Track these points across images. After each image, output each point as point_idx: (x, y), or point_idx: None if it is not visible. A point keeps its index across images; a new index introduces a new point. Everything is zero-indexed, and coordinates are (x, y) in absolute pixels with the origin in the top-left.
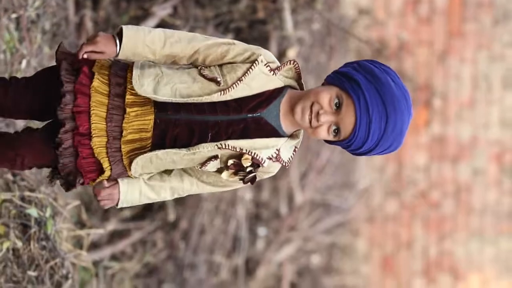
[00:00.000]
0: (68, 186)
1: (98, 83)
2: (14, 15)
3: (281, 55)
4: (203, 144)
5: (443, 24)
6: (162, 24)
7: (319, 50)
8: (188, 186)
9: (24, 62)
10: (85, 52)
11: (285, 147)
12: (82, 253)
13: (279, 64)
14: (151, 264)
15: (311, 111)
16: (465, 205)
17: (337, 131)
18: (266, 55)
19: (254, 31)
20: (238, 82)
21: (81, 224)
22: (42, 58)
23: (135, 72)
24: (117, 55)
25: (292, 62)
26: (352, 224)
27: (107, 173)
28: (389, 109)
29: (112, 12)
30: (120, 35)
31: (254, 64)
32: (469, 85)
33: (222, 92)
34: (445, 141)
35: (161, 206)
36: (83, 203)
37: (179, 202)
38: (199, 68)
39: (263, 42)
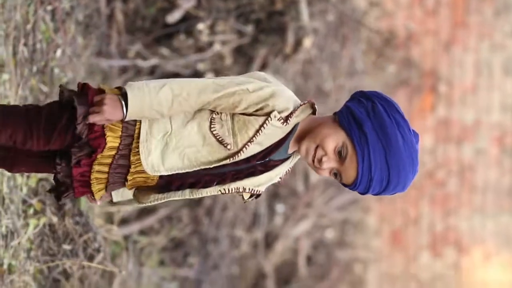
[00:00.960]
0: (58, 196)
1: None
2: (49, 7)
3: (297, 44)
4: (207, 190)
5: (448, 15)
6: (186, 16)
7: (332, 40)
8: None
9: (59, 51)
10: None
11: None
12: (113, 228)
13: (292, 110)
14: (177, 238)
15: (315, 153)
16: (468, 184)
17: (338, 176)
18: (280, 105)
19: (272, 22)
20: (249, 143)
21: (112, 201)
22: (76, 48)
23: (143, 132)
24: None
25: (310, 102)
26: (363, 201)
27: (101, 192)
28: (393, 173)
29: (141, 4)
30: (126, 96)
31: (267, 122)
32: (472, 72)
33: (232, 158)
34: (450, 124)
35: None
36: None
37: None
38: (210, 119)
39: (281, 32)
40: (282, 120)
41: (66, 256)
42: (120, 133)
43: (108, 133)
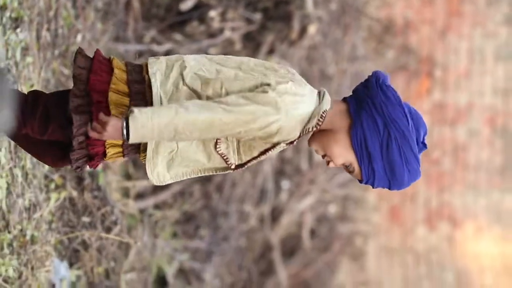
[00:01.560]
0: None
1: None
2: None
3: (302, 31)
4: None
5: (443, 5)
6: (198, 4)
7: (335, 27)
8: None
9: (79, 36)
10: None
11: None
12: (129, 202)
13: (297, 136)
14: (189, 212)
15: (322, 156)
16: (462, 162)
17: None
18: (287, 137)
19: (279, 10)
20: (253, 160)
21: (128, 177)
22: (95, 33)
23: (149, 150)
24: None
25: (323, 113)
26: None
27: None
28: (393, 189)
29: None
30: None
31: (273, 149)
32: (465, 58)
33: (236, 170)
34: (445, 107)
35: None
36: (130, 158)
37: None
38: (216, 139)
39: (287, 19)
40: (289, 144)
41: (85, 228)
42: (121, 148)
43: (108, 149)
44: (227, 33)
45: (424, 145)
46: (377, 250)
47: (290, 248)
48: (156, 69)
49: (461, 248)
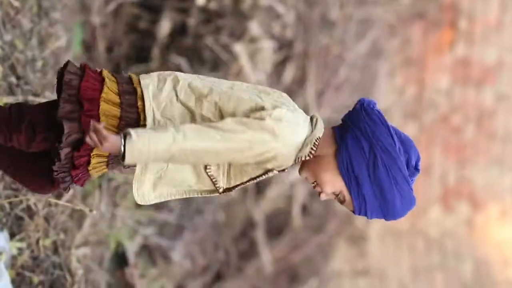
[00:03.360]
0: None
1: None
2: None
3: None
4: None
5: None
6: None
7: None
8: None
9: None
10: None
11: None
12: None
13: (290, 164)
14: None
15: (313, 186)
16: (487, 131)
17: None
18: (280, 164)
19: None
20: (241, 185)
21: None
22: None
23: (138, 169)
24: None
25: (316, 140)
26: None
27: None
28: (389, 219)
29: None
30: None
31: (263, 175)
32: (496, 6)
33: (223, 193)
34: (469, 64)
35: None
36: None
37: None
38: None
39: None
40: (281, 171)
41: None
42: (106, 159)
43: (93, 158)
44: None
45: (417, 170)
46: (381, 232)
47: (277, 226)
48: (149, 81)
49: (482, 234)
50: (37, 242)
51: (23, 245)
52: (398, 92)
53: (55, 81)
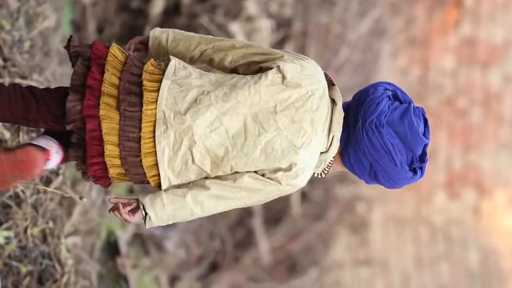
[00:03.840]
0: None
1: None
2: None
3: None
4: None
5: None
6: None
7: None
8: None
9: None
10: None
11: None
12: None
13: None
14: None
15: None
16: (494, 115)
17: None
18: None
19: None
20: None
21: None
22: None
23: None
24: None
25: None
26: None
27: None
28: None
29: None
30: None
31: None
32: None
33: None
34: (475, 44)
35: None
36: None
37: None
38: None
39: None
40: None
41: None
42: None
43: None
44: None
45: (423, 161)
46: (384, 220)
47: (275, 215)
48: (165, 144)
49: (489, 222)
50: (25, 231)
51: (10, 234)
52: (401, 73)
53: (43, 63)
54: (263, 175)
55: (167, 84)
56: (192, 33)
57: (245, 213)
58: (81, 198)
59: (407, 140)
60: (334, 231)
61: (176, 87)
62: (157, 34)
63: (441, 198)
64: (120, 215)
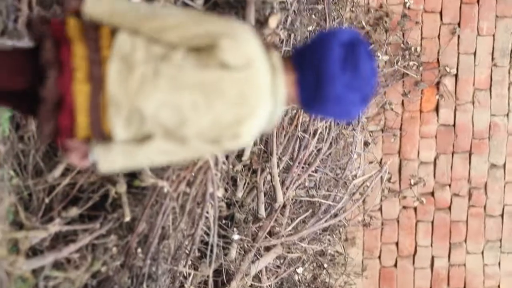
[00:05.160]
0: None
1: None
2: None
3: (261, 24)
4: None
5: None
6: None
7: (306, 19)
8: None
9: None
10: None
11: None
12: (19, 260)
13: None
14: (102, 273)
15: None
16: (479, 207)
17: None
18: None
19: None
20: None
21: (18, 225)
22: None
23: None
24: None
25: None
26: (345, 229)
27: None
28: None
29: None
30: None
31: None
32: (486, 61)
33: None
34: (457, 130)
35: (115, 204)
36: (21, 200)
37: (137, 198)
38: None
39: (239, 7)
40: None
41: None
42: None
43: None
44: None
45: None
46: None
47: None
48: (116, 120)
49: None
50: None
51: None
52: (377, 165)
53: None
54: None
55: (114, 63)
56: (124, 6)
57: None
58: None
59: (361, 89)
60: None
61: (123, 66)
62: (90, 10)
63: None
64: (71, 158)
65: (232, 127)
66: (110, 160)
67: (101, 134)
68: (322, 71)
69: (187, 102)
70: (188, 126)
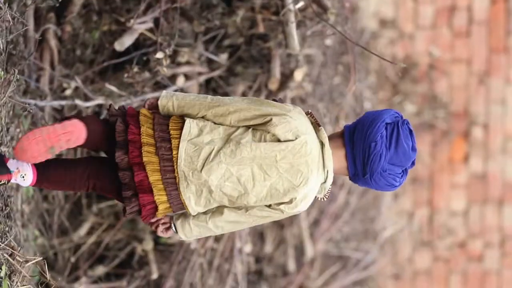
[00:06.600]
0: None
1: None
2: None
3: (286, 77)
4: None
5: (484, 37)
6: (140, 42)
7: (332, 71)
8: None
9: None
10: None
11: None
12: None
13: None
14: None
15: None
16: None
17: None
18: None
19: (253, 49)
20: None
21: (44, 285)
22: None
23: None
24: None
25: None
26: (376, 282)
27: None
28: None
29: (81, 26)
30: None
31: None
32: None
33: None
34: (488, 180)
35: (141, 261)
36: (46, 259)
37: (164, 255)
38: None
39: (264, 61)
40: None
41: None
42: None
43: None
44: (181, 81)
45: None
46: None
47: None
48: (189, 194)
49: None
50: None
51: None
52: (406, 216)
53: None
54: (269, 206)
55: (184, 146)
56: (192, 97)
57: None
58: None
59: (402, 164)
60: None
61: (191, 147)
62: (164, 103)
63: None
64: (157, 231)
65: (289, 193)
66: (187, 230)
67: (179, 206)
68: (370, 148)
69: (246, 174)
70: (249, 195)
